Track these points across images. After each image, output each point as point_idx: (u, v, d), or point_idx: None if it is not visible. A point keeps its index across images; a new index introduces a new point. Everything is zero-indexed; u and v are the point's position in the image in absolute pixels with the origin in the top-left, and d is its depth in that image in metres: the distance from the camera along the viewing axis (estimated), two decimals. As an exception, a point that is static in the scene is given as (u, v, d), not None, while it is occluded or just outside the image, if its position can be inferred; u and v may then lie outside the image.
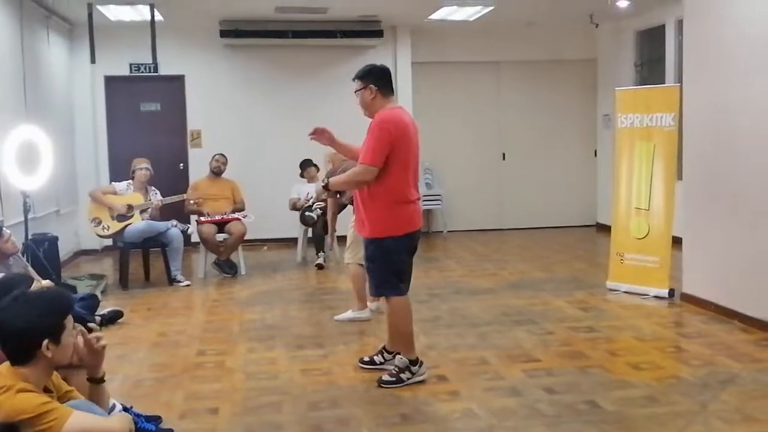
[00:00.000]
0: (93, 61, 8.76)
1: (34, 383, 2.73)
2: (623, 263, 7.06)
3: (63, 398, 2.96)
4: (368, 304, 6.24)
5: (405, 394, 4.39)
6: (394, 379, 4.51)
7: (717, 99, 6.07)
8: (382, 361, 4.83)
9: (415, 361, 4.59)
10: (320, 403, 4.29)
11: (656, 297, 6.68)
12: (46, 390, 2.84)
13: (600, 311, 6.35)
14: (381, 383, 4.52)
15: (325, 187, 4.83)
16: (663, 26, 9.74)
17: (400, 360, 4.59)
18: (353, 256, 6.11)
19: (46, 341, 2.75)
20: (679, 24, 8.70)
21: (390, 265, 4.54)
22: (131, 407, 3.70)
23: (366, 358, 4.92)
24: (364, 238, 4.68)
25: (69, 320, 2.86)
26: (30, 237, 6.96)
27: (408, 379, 4.52)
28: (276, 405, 4.26)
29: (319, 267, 8.61)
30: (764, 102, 5.52)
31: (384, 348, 4.87)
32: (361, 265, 6.10)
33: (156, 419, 3.92)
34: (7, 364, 2.78)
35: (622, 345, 5.36)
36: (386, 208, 4.47)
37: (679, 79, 7.85)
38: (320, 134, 4.81)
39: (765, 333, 5.40)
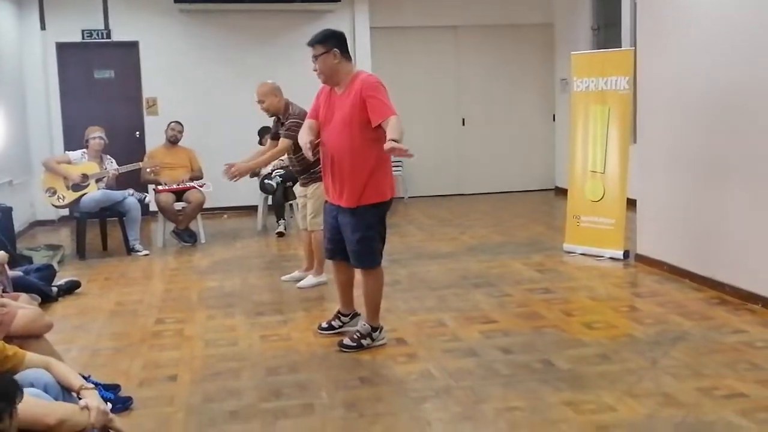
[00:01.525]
0: (43, 27, 8.58)
1: None
2: (579, 226, 7.16)
3: (4, 363, 2.93)
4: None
5: (364, 357, 4.44)
6: (354, 344, 4.55)
7: (670, 63, 6.14)
8: (341, 324, 4.86)
9: (376, 328, 4.63)
10: (279, 368, 4.31)
11: (611, 258, 6.80)
12: None
13: (556, 273, 6.45)
14: (341, 347, 4.56)
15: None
16: (619, -10, 9.78)
17: (363, 327, 4.62)
18: (317, 222, 6.07)
19: None
20: (635, -13, 8.76)
21: (382, 232, 4.55)
22: (89, 376, 3.69)
23: (324, 324, 4.94)
24: (352, 209, 4.41)
25: None
26: (-18, 208, 6.85)
27: (368, 345, 4.56)
28: (235, 371, 4.28)
29: (280, 235, 8.62)
30: (717, 66, 5.59)
31: (339, 312, 4.91)
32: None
33: (115, 388, 3.93)
34: None
35: (576, 305, 5.45)
36: (381, 172, 4.45)
37: (635, 42, 7.91)
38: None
39: (715, 291, 5.53)
